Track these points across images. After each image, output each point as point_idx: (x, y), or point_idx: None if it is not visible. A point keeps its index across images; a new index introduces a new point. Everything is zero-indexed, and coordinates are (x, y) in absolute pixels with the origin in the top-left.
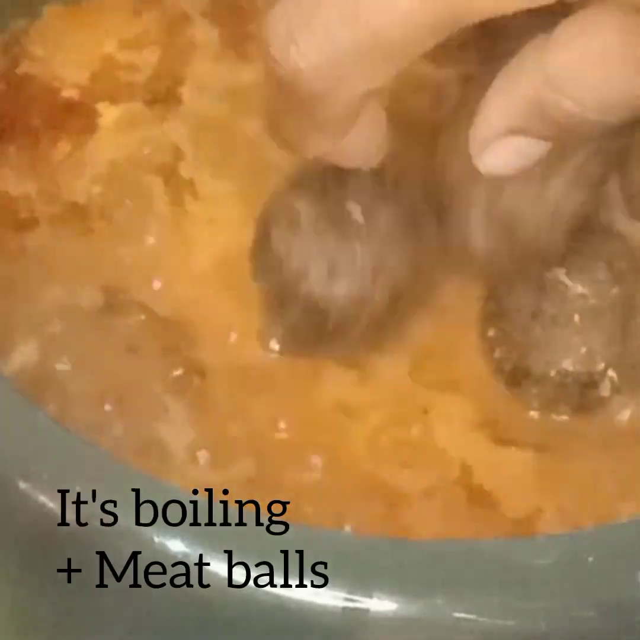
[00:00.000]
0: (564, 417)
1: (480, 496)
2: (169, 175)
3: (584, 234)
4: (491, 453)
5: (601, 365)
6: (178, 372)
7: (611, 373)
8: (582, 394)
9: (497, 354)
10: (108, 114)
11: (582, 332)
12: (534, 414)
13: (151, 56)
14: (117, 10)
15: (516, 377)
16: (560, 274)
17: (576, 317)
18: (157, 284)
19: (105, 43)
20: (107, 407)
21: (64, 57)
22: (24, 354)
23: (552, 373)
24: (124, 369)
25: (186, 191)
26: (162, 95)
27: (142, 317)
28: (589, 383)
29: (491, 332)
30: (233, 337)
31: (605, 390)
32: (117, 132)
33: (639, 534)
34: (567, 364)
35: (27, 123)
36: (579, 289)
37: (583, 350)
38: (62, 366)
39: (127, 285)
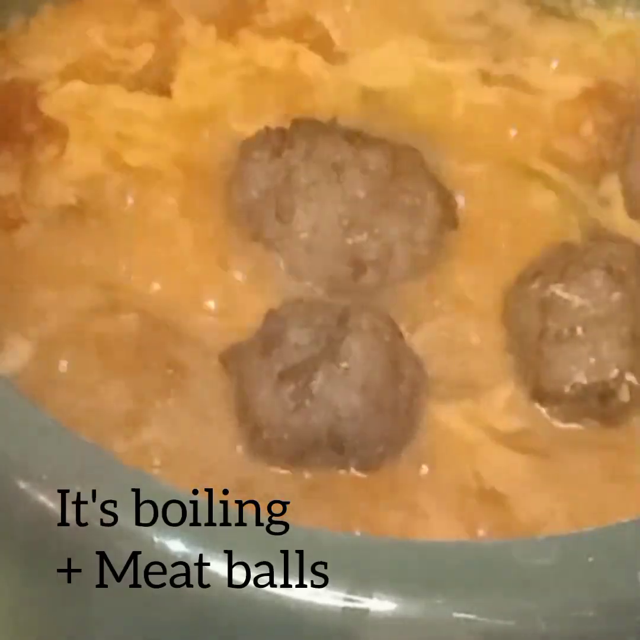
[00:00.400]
0: (591, 427)
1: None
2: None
3: (580, 244)
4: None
5: (615, 372)
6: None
7: (629, 377)
8: (601, 403)
9: (518, 378)
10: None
11: (588, 343)
12: (562, 426)
13: (145, 52)
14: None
15: (537, 397)
16: (558, 289)
17: (579, 330)
18: (151, 283)
19: (99, 42)
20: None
21: (56, 59)
22: (17, 351)
23: (567, 389)
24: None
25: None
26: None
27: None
28: (606, 392)
29: (510, 358)
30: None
31: (624, 395)
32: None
33: (639, 534)
34: (580, 378)
35: (20, 127)
36: (578, 301)
37: (592, 360)
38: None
39: (120, 284)
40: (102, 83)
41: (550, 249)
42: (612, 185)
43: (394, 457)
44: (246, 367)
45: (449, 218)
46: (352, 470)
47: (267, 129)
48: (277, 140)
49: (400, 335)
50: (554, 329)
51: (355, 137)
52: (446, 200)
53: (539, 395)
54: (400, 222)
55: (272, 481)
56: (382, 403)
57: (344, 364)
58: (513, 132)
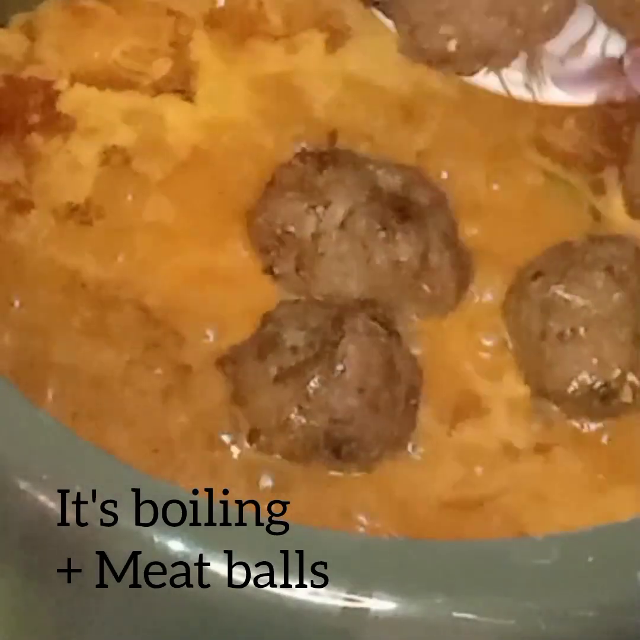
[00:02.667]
0: (593, 427)
1: None
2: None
3: (580, 244)
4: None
5: (617, 372)
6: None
7: (631, 377)
8: (603, 403)
9: (519, 378)
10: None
11: (590, 343)
12: (564, 426)
13: (163, 65)
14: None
15: (539, 398)
16: (559, 290)
17: (581, 330)
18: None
19: (110, 43)
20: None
21: (64, 54)
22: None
23: (569, 389)
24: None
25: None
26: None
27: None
28: (609, 392)
29: (509, 358)
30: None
31: (627, 396)
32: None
33: (639, 534)
34: (582, 378)
35: (24, 121)
36: (580, 301)
37: (594, 361)
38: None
39: (121, 283)
40: (118, 88)
41: (551, 248)
42: (611, 183)
43: (390, 457)
44: (242, 370)
45: (464, 291)
46: (351, 471)
47: (302, 158)
48: (311, 181)
49: (397, 335)
50: (556, 330)
51: (393, 206)
52: (465, 280)
53: (541, 394)
54: (419, 308)
55: (271, 483)
56: (379, 405)
57: (339, 366)
58: (506, 125)
